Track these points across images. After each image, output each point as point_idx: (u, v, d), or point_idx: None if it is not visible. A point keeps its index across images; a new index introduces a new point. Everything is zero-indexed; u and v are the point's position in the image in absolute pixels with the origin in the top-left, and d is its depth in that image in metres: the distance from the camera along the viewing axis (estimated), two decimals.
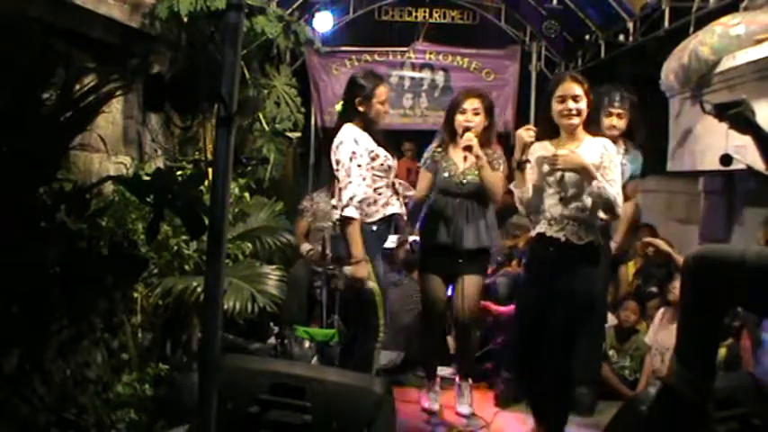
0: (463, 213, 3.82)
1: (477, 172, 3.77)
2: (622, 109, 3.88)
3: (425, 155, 4.02)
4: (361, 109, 3.54)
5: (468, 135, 3.68)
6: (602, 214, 3.23)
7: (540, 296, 3.30)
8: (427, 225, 3.93)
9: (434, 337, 4.20)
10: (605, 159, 3.18)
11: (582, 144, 3.23)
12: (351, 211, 3.38)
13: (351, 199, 3.38)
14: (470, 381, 4.06)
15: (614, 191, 3.14)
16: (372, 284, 3.45)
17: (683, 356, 2.39)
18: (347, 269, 3.45)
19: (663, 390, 2.41)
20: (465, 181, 3.83)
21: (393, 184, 3.63)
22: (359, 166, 3.43)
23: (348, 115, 3.59)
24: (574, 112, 3.20)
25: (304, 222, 5.40)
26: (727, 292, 2.31)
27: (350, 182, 3.40)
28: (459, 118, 3.79)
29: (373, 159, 3.50)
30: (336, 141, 3.52)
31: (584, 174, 3.12)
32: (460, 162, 3.81)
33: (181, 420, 3.10)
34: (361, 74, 3.70)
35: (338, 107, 3.71)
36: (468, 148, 3.65)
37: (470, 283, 3.85)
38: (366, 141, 3.51)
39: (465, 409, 3.97)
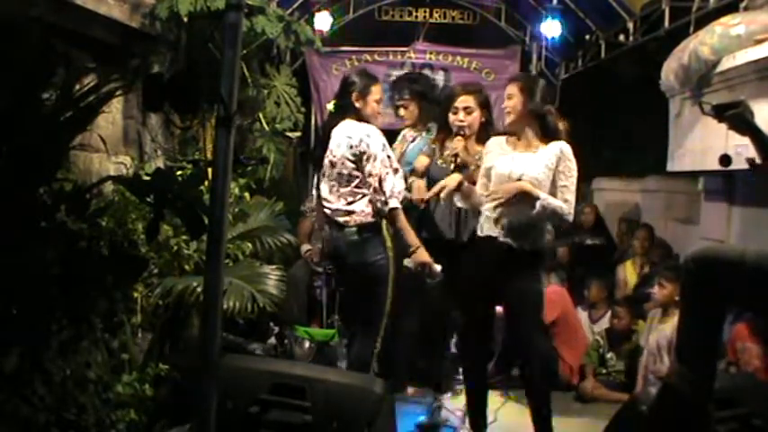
0: (463, 209, 3.68)
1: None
2: (403, 100, 4.09)
3: (425, 145, 3.93)
4: (357, 105, 3.50)
5: (458, 140, 3.55)
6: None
7: (481, 298, 3.33)
8: (426, 219, 3.82)
9: (435, 348, 4.04)
10: (561, 164, 3.19)
11: (538, 148, 3.25)
12: (396, 203, 3.36)
13: (393, 190, 3.36)
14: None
15: (563, 198, 3.17)
16: (390, 287, 3.41)
17: (683, 356, 2.40)
18: (408, 261, 3.40)
19: (663, 389, 2.41)
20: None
21: None
22: (389, 157, 3.41)
23: (343, 112, 3.53)
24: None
25: (308, 223, 5.40)
26: (727, 292, 2.31)
27: (388, 173, 3.36)
28: (451, 117, 3.68)
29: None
30: (359, 135, 3.40)
31: (527, 197, 3.12)
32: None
33: (181, 420, 3.10)
34: (354, 72, 3.68)
35: (330, 106, 3.69)
36: (455, 156, 3.50)
37: None
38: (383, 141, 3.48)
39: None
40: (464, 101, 3.69)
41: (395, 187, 3.36)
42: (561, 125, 3.30)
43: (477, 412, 3.46)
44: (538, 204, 3.10)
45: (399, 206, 3.36)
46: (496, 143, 3.39)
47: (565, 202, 3.16)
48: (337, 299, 4.96)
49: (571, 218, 3.22)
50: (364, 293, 3.51)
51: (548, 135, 3.25)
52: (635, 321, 4.73)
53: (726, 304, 2.46)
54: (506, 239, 3.20)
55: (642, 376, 4.34)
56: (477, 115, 3.69)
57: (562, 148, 3.22)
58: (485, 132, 3.71)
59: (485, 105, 3.74)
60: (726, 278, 2.29)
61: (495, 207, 3.18)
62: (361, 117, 3.51)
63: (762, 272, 2.23)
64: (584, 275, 5.46)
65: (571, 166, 3.20)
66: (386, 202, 3.35)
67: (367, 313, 3.49)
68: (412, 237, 3.40)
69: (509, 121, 3.31)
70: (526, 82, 3.32)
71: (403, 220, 3.39)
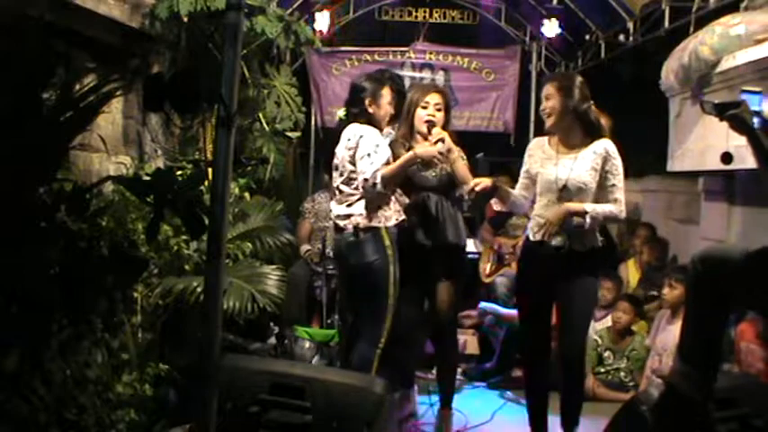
0: (437, 208, 3.68)
1: (444, 166, 3.66)
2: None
3: (389, 140, 3.80)
4: (371, 110, 3.50)
5: (438, 129, 3.56)
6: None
7: (540, 301, 3.31)
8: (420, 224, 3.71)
9: (412, 351, 4.00)
10: (607, 163, 3.15)
11: (582, 148, 3.20)
12: (376, 179, 3.31)
13: (376, 172, 3.32)
14: (452, 409, 3.84)
15: (613, 197, 3.13)
16: (391, 288, 3.38)
17: (686, 355, 2.40)
18: (424, 152, 3.40)
19: (667, 389, 2.41)
20: (435, 174, 3.69)
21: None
22: (373, 153, 3.37)
23: (354, 118, 3.53)
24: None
25: (307, 224, 5.39)
26: (731, 292, 2.32)
27: (372, 162, 3.34)
28: (421, 113, 3.65)
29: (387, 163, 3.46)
30: (355, 135, 3.42)
31: (575, 216, 3.11)
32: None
33: (181, 420, 3.10)
34: (362, 78, 3.66)
35: (341, 113, 3.66)
36: (441, 141, 3.49)
37: (447, 290, 3.71)
38: (384, 142, 3.48)
39: None
40: (435, 97, 3.68)
41: (377, 171, 3.32)
42: (604, 121, 3.25)
43: (537, 414, 3.43)
44: (587, 218, 3.09)
45: (378, 179, 3.31)
46: (538, 145, 3.35)
47: (615, 203, 3.14)
48: (337, 299, 4.96)
49: (624, 215, 3.20)
50: (364, 295, 3.49)
51: (590, 134, 3.20)
52: (636, 320, 4.73)
53: (731, 304, 2.47)
54: (557, 242, 3.17)
55: (647, 377, 4.34)
56: (443, 114, 3.68)
57: (606, 146, 3.17)
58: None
59: (448, 108, 3.74)
60: (732, 278, 2.30)
61: (549, 234, 3.14)
62: (372, 122, 3.51)
63: (765, 271, 2.24)
64: None
65: (617, 163, 3.16)
66: (373, 185, 3.32)
67: (368, 315, 3.48)
68: (405, 160, 3.39)
69: (550, 123, 3.25)
70: (563, 81, 3.27)
71: (391, 171, 3.37)
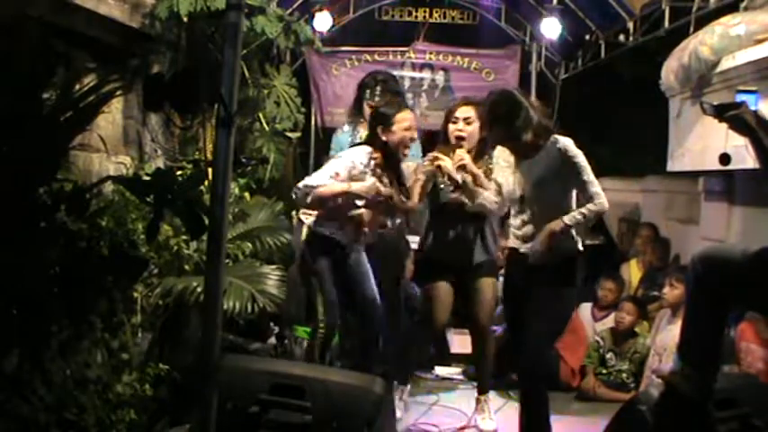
0: (467, 228, 3.71)
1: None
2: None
3: (423, 160, 3.84)
4: (384, 138, 3.54)
5: (460, 153, 3.49)
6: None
7: (520, 309, 3.20)
8: (432, 243, 3.80)
9: (424, 346, 4.12)
10: (566, 164, 3.02)
11: (534, 155, 3.09)
12: (301, 196, 3.48)
13: (305, 186, 3.48)
14: (489, 394, 3.89)
15: (588, 194, 3.01)
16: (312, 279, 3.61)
17: (686, 354, 2.40)
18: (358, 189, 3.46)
19: (667, 389, 2.41)
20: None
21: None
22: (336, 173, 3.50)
23: (370, 141, 3.63)
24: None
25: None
26: (730, 292, 2.32)
27: (318, 174, 3.53)
28: (451, 127, 3.63)
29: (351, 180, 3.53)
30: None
31: (560, 233, 2.99)
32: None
33: (181, 420, 3.11)
34: (384, 104, 3.75)
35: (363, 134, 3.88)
36: (462, 168, 3.46)
37: (485, 285, 3.77)
38: (357, 162, 3.53)
39: (489, 425, 3.79)
40: (464, 111, 3.63)
41: (306, 184, 3.50)
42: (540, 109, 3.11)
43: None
44: (572, 231, 3.00)
45: (309, 199, 3.47)
46: (501, 150, 3.26)
47: (593, 199, 3.00)
48: None
49: (606, 205, 3.03)
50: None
51: (539, 137, 3.06)
52: (640, 321, 4.72)
53: (731, 304, 2.47)
54: (529, 250, 3.10)
55: (647, 377, 4.34)
56: (476, 127, 3.60)
57: (560, 147, 3.03)
58: (481, 148, 3.65)
59: (482, 118, 3.61)
60: (732, 278, 2.30)
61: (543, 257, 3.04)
62: (385, 149, 3.58)
63: (765, 271, 2.24)
64: (586, 275, 5.42)
65: (578, 159, 3.03)
66: (305, 195, 3.51)
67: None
68: (338, 191, 3.49)
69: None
70: (486, 112, 3.19)
71: (324, 194, 3.48)
